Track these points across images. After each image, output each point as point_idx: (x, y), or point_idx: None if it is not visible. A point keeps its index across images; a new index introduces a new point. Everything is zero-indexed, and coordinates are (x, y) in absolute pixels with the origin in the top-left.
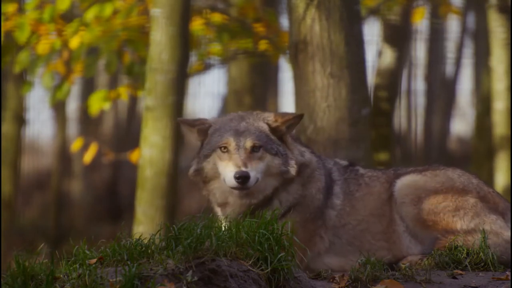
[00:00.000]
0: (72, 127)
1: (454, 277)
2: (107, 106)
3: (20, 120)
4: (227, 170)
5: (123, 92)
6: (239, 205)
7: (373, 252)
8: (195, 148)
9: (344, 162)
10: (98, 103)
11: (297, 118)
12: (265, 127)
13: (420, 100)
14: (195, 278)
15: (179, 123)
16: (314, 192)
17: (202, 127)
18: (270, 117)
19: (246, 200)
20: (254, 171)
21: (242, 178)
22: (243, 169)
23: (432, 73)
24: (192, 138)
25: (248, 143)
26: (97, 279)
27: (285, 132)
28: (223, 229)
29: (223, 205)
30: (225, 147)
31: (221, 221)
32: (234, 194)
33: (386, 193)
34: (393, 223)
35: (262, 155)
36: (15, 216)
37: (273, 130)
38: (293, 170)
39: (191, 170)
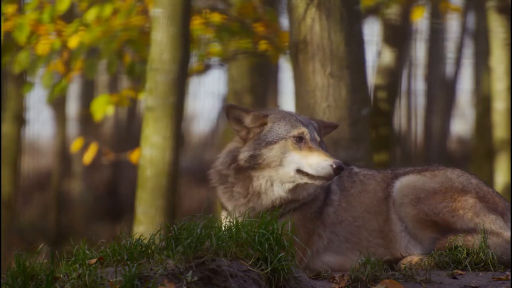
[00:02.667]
0: (72, 127)
1: (454, 277)
2: (110, 110)
3: (20, 120)
4: (314, 160)
5: (125, 97)
6: (275, 199)
7: (371, 249)
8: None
9: None
10: (101, 107)
11: (334, 128)
12: (318, 128)
13: (420, 100)
14: (195, 278)
15: (228, 109)
16: (321, 192)
17: (258, 114)
18: (314, 122)
19: (292, 193)
20: None
21: (340, 168)
22: (337, 159)
23: (432, 73)
24: (237, 127)
25: (318, 138)
26: (97, 279)
27: (323, 134)
28: (223, 229)
29: (254, 196)
30: (300, 138)
31: (229, 216)
32: (286, 187)
33: (383, 192)
34: (390, 222)
35: (319, 150)
36: (15, 216)
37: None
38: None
39: (245, 155)
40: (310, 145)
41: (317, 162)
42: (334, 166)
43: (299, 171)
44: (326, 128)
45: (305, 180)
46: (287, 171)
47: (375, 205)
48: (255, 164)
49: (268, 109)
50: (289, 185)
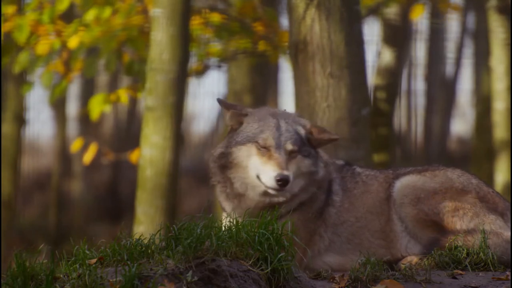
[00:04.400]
0: (72, 127)
1: (454, 277)
2: (107, 109)
3: (20, 120)
4: (267, 169)
5: (123, 94)
6: (256, 201)
7: (372, 250)
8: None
9: (341, 162)
10: (98, 106)
11: (332, 141)
12: (302, 132)
13: (420, 100)
14: (195, 278)
15: (218, 102)
16: (321, 193)
17: (237, 112)
18: (307, 125)
19: (267, 197)
20: (292, 174)
21: (283, 181)
22: (285, 172)
23: (432, 73)
24: (224, 120)
25: (289, 146)
26: (97, 279)
27: (314, 145)
28: (223, 229)
29: (238, 197)
30: (264, 143)
31: (229, 217)
32: (256, 191)
33: (385, 192)
34: (391, 222)
35: (297, 157)
36: (15, 216)
37: (310, 139)
38: (322, 171)
39: (217, 152)
40: (272, 153)
41: (267, 172)
42: (277, 178)
43: (258, 177)
44: (321, 137)
45: (263, 187)
46: (251, 175)
47: (377, 206)
48: (226, 162)
49: (255, 108)
50: (259, 189)
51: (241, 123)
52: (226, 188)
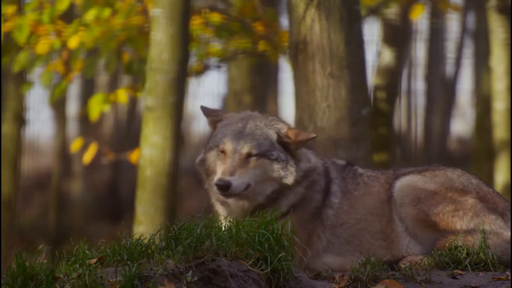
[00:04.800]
0: (72, 127)
1: (454, 277)
2: (107, 109)
3: (20, 120)
4: (217, 174)
5: (123, 94)
6: (236, 206)
7: (372, 251)
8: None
9: (342, 162)
10: (98, 106)
11: (310, 140)
12: (273, 136)
13: (420, 100)
14: (195, 278)
15: (201, 109)
16: (313, 193)
17: (214, 119)
18: (283, 129)
19: (242, 202)
20: (243, 178)
21: (220, 186)
22: (226, 177)
23: (432, 73)
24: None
25: (245, 149)
26: (97, 279)
27: (294, 148)
28: (223, 229)
29: (223, 203)
30: (222, 148)
31: (220, 219)
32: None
33: (386, 193)
34: (393, 223)
35: (258, 160)
36: (15, 216)
37: (281, 142)
38: (291, 177)
39: (198, 159)
40: (225, 158)
41: (215, 177)
42: (216, 183)
43: None
44: (297, 142)
45: None
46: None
47: (378, 207)
48: (205, 169)
49: (228, 113)
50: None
51: (216, 129)
52: (215, 193)
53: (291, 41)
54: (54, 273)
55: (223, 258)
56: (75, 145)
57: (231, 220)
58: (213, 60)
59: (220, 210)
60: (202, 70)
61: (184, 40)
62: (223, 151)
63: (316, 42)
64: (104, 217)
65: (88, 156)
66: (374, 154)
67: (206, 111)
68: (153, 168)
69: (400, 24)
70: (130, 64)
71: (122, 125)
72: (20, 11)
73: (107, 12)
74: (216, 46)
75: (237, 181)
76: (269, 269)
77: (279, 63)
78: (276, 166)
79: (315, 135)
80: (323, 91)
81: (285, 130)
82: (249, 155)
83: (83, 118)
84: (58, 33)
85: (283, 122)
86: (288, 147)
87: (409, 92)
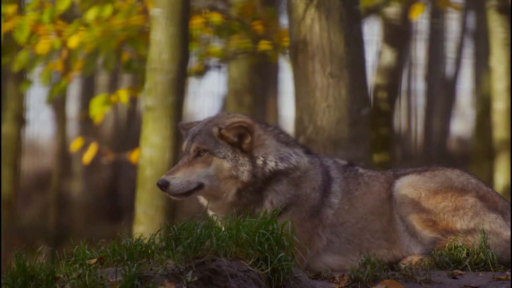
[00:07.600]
0: (72, 127)
1: (454, 277)
2: (107, 109)
3: (20, 120)
4: None
5: (123, 94)
6: (216, 207)
7: (372, 250)
8: None
9: (344, 162)
10: (99, 108)
11: (240, 128)
12: (215, 132)
13: (420, 100)
14: (195, 278)
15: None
16: (309, 191)
17: (187, 129)
18: (221, 124)
19: (218, 202)
20: (187, 177)
21: (159, 186)
22: (167, 177)
23: (432, 73)
24: None
25: (193, 147)
26: (97, 279)
27: (237, 141)
28: (223, 229)
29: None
30: (181, 150)
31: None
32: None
33: (386, 192)
34: (394, 222)
35: (208, 158)
36: (15, 216)
37: (221, 136)
38: (244, 175)
39: None
40: (182, 159)
41: None
42: (157, 182)
43: None
44: (228, 132)
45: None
46: None
47: (379, 206)
48: None
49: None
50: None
51: None
52: None
53: (291, 41)
54: (54, 273)
55: (223, 258)
56: (75, 145)
57: (218, 218)
58: (213, 60)
59: (209, 210)
60: (202, 70)
61: (184, 40)
62: (182, 152)
63: (316, 42)
64: (104, 217)
65: (88, 156)
66: (374, 154)
67: (181, 126)
68: (153, 168)
69: (400, 24)
70: (129, 62)
71: (122, 125)
72: (21, 11)
73: (107, 11)
74: (216, 46)
75: (176, 180)
76: (269, 269)
77: (279, 63)
78: (227, 165)
79: (244, 124)
80: (323, 91)
81: (221, 125)
82: (199, 153)
83: (83, 118)
84: (58, 33)
85: (230, 119)
86: (239, 144)
87: (409, 92)
